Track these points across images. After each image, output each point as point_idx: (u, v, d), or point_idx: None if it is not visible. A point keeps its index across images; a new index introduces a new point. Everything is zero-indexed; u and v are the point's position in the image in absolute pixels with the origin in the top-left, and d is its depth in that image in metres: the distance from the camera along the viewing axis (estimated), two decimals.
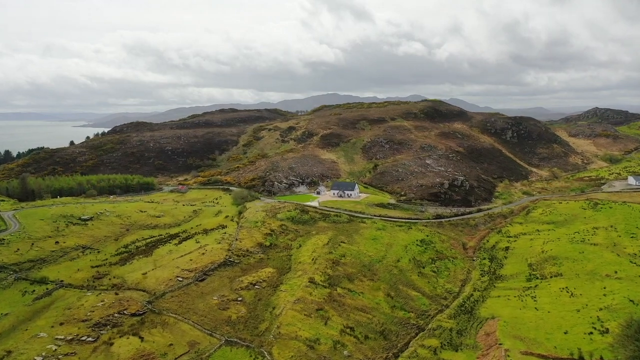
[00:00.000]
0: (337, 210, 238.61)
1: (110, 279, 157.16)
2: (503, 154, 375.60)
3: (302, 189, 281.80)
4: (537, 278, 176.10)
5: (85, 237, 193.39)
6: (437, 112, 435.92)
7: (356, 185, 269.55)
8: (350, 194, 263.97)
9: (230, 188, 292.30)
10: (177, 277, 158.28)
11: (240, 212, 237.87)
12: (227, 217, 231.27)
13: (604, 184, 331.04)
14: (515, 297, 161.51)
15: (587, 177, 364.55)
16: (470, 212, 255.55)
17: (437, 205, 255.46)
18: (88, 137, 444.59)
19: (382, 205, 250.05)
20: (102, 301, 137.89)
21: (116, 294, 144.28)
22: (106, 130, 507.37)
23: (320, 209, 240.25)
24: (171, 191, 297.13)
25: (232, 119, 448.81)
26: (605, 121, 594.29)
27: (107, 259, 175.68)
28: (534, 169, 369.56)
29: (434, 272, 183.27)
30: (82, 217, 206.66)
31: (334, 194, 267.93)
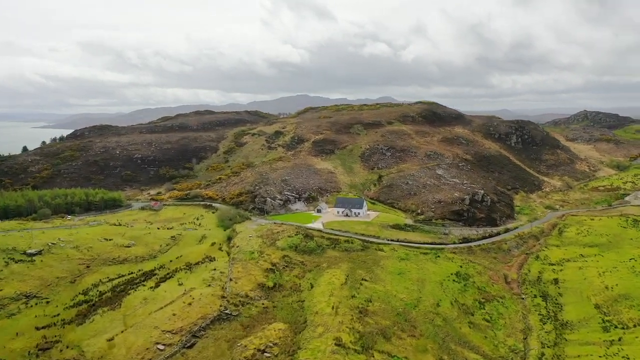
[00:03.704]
0: (347, 234, 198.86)
1: (61, 350, 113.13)
2: (511, 161, 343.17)
3: (299, 206, 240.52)
4: (616, 327, 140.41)
5: (31, 281, 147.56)
6: (435, 116, 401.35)
7: (364, 201, 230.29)
8: (358, 213, 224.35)
9: (214, 205, 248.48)
10: (157, 344, 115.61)
11: (229, 238, 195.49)
12: (213, 244, 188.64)
13: (625, 195, 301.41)
14: (601, 357, 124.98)
15: (603, 186, 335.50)
16: (498, 233, 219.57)
17: (461, 226, 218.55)
18: (44, 142, 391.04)
19: (398, 227, 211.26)
20: None
21: None
22: (69, 132, 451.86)
23: (326, 233, 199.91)
24: (142, 208, 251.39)
25: (210, 122, 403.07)
26: (598, 124, 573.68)
27: (58, 315, 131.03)
28: (545, 178, 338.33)
29: (487, 320, 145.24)
30: (29, 252, 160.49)
31: (338, 212, 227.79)
